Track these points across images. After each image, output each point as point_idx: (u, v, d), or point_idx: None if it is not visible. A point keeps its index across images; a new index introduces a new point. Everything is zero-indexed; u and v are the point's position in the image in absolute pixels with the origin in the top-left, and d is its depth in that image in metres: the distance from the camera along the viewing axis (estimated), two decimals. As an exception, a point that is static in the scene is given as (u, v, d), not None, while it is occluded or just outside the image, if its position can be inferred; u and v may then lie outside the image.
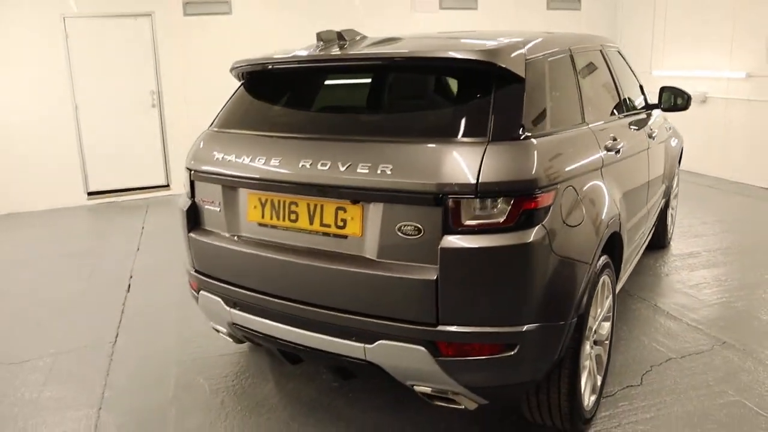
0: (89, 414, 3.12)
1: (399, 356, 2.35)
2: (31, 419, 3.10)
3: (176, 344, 3.84)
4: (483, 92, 2.39)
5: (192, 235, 2.87)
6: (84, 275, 5.14)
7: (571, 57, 3.02)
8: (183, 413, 3.10)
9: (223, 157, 2.71)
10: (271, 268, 2.58)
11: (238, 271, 2.70)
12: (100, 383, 3.40)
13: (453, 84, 2.62)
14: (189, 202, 2.89)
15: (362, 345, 2.39)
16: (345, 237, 2.43)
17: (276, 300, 2.57)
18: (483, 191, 2.19)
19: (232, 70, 3.04)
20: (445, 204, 2.20)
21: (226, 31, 7.71)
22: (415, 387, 2.45)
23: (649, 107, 4.20)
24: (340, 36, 2.63)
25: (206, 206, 2.83)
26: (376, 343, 2.36)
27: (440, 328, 2.27)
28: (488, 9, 8.66)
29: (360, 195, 2.34)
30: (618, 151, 3.10)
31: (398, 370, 2.41)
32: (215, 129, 2.97)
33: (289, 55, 2.84)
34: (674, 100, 4.15)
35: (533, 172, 2.25)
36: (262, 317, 2.65)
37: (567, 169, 2.46)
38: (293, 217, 2.54)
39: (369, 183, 2.30)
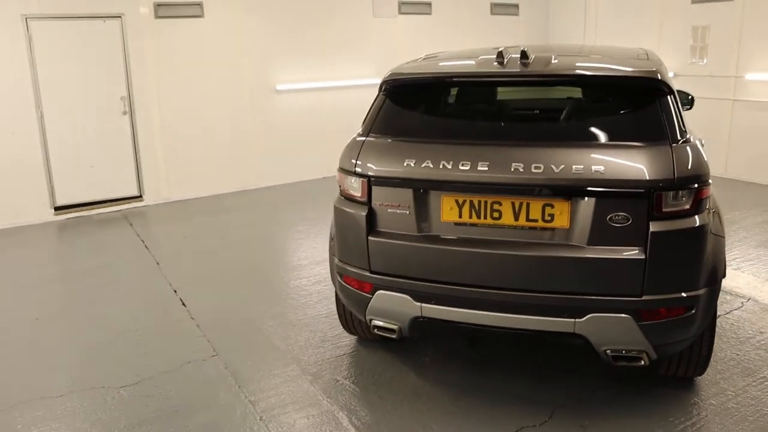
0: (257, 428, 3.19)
1: (606, 325, 2.76)
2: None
3: (285, 352, 3.90)
4: (651, 103, 2.86)
5: (371, 238, 3.05)
6: (118, 294, 4.92)
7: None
8: (350, 413, 3.25)
9: (415, 164, 2.92)
10: (474, 262, 2.85)
11: (434, 267, 2.93)
12: (241, 401, 3.41)
13: (623, 96, 3.06)
14: (367, 208, 3.06)
15: (573, 320, 2.77)
16: (552, 229, 2.79)
17: (480, 290, 2.86)
18: (678, 185, 2.67)
19: (390, 81, 3.20)
20: (651, 196, 2.65)
21: (198, 35, 7.51)
22: (608, 351, 2.87)
23: None
24: (523, 54, 2.97)
25: (389, 210, 3.01)
26: (587, 317, 2.75)
27: (645, 297, 2.72)
28: (441, 15, 9.18)
29: (574, 192, 2.71)
30: None
31: (602, 338, 2.81)
32: (377, 137, 3.13)
33: (485, 70, 3.11)
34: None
35: (704, 168, 2.77)
36: (461, 307, 2.91)
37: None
38: (496, 215, 2.84)
39: (585, 182, 2.68)
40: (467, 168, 2.82)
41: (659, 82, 2.86)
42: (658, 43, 8.39)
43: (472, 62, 3.20)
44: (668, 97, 2.90)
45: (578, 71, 3.02)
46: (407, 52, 9.17)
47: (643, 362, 2.91)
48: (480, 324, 2.93)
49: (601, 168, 2.68)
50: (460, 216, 2.90)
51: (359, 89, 8.73)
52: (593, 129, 2.92)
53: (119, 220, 7.07)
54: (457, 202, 2.90)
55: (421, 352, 3.81)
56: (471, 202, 2.88)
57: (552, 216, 2.78)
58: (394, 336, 3.22)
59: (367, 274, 3.11)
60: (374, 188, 3.04)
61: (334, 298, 4.61)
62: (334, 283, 3.52)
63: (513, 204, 2.82)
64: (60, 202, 7.13)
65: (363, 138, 3.19)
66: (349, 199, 3.18)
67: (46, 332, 4.30)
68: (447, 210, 2.92)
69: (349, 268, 3.21)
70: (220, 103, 7.85)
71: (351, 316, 3.70)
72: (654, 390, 3.35)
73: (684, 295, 2.77)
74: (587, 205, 2.72)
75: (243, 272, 5.33)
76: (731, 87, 7.68)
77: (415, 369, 3.64)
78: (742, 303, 4.40)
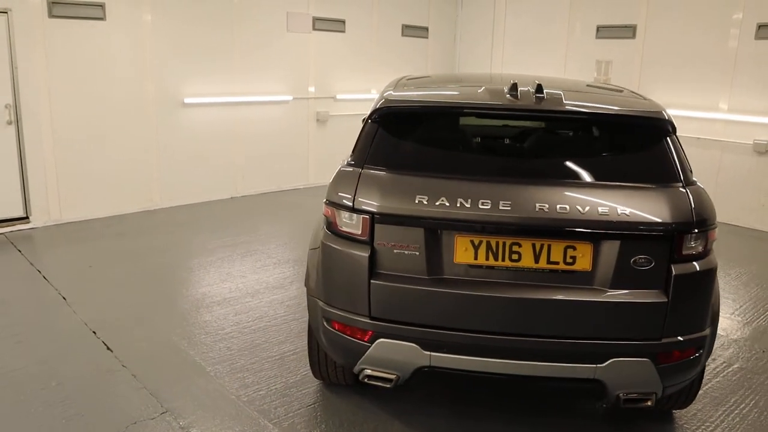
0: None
1: (626, 370, 2.70)
2: None
3: (248, 403, 3.47)
4: (659, 143, 2.86)
5: (374, 281, 2.76)
6: (23, 339, 4.15)
7: None
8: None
9: (428, 201, 2.68)
10: (491, 307, 2.67)
11: (445, 313, 2.71)
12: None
13: (633, 135, 3.00)
14: (369, 248, 2.77)
15: (594, 366, 2.67)
16: (573, 272, 2.68)
17: (496, 337, 2.68)
18: (697, 227, 2.68)
19: (385, 108, 2.94)
20: (673, 238, 2.63)
21: (99, 39, 6.70)
22: (621, 395, 2.79)
23: None
24: (539, 89, 2.84)
25: (395, 250, 2.75)
26: (608, 362, 2.67)
27: (663, 340, 2.69)
28: (354, 33, 9.02)
29: (600, 234, 2.62)
30: None
31: (620, 382, 2.73)
32: (375, 168, 2.86)
33: (498, 103, 2.91)
34: None
35: (713, 210, 2.80)
36: (475, 356, 2.71)
37: None
38: (515, 257, 2.68)
39: (612, 225, 2.60)
40: (488, 207, 2.64)
41: (667, 122, 2.87)
42: (563, 73, 8.83)
43: (483, 92, 3.03)
44: (674, 136, 2.91)
45: (594, 110, 2.95)
46: (320, 69, 8.95)
47: (650, 402, 2.88)
48: (494, 373, 2.75)
49: (626, 210, 2.62)
50: (476, 258, 2.71)
51: (272, 105, 8.32)
52: (611, 169, 2.85)
53: (4, 245, 6.08)
54: (472, 242, 2.70)
55: (398, 397, 3.55)
56: (488, 243, 2.69)
57: (574, 258, 2.67)
58: (388, 386, 2.94)
59: (367, 320, 2.81)
60: (378, 226, 2.76)
61: (282, 339, 4.26)
62: (313, 327, 3.17)
63: (534, 245, 2.67)
64: (-76, 226, 6.01)
65: (358, 170, 2.90)
66: (344, 237, 2.86)
67: (-64, 393, 3.50)
68: (461, 251, 2.71)
69: (340, 313, 2.89)
70: (122, 115, 7.07)
71: (327, 362, 3.36)
72: (638, 426, 3.35)
73: (695, 336, 2.78)
74: (611, 247, 2.65)
75: (169, 307, 4.75)
76: (633, 119, 8.22)
77: (398, 416, 3.38)
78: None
